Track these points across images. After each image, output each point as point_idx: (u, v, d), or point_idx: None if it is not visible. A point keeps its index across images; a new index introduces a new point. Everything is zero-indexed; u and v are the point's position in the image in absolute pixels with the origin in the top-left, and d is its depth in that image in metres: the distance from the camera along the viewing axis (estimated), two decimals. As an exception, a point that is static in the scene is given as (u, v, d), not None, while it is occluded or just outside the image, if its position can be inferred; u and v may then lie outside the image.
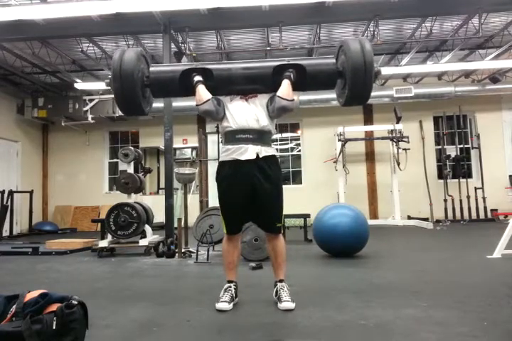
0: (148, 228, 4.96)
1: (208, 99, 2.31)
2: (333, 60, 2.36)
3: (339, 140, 8.04)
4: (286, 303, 2.27)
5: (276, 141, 9.46)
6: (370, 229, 4.17)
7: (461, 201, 8.42)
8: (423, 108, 8.81)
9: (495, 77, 7.92)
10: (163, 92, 2.56)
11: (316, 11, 5.54)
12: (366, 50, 2.18)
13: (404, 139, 7.69)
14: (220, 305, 2.29)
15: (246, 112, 2.38)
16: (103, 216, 5.39)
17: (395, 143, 7.84)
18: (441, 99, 8.47)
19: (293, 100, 2.32)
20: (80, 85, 7.91)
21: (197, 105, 2.34)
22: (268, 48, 6.59)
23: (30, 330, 1.47)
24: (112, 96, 8.15)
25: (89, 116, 8.59)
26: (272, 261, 2.50)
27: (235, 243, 2.50)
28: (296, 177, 9.43)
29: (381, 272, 3.37)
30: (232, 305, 2.33)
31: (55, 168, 9.82)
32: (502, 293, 2.55)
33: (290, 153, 9.55)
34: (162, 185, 8.40)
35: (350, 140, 8.06)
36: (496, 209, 8.22)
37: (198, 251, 4.22)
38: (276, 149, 9.38)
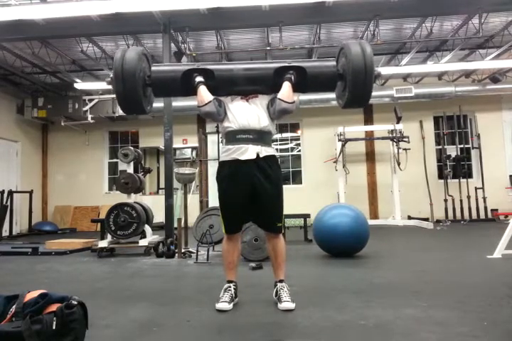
0: (148, 228, 4.96)
1: (210, 101, 2.32)
2: (334, 63, 2.37)
3: (339, 140, 8.04)
4: (286, 303, 2.27)
5: (276, 140, 9.46)
6: (371, 229, 4.17)
7: (461, 201, 8.42)
8: (423, 108, 8.81)
9: (495, 77, 7.92)
10: (165, 92, 2.58)
11: (315, 11, 5.54)
12: (367, 53, 2.19)
13: (404, 139, 7.69)
14: (220, 305, 2.29)
15: (247, 112, 2.38)
16: (103, 216, 5.39)
17: (395, 143, 7.83)
18: (441, 99, 8.47)
19: (293, 102, 2.33)
20: (79, 85, 7.91)
21: (199, 106, 2.35)
22: (268, 48, 6.59)
23: (30, 330, 1.47)
24: (112, 96, 8.14)
25: (89, 116, 8.60)
26: (272, 261, 2.49)
27: (235, 243, 2.50)
28: (296, 177, 9.43)
29: (381, 272, 3.36)
30: (232, 305, 2.33)
31: (55, 167, 9.82)
32: (502, 293, 2.55)
33: (290, 153, 9.55)
34: (162, 185, 8.40)
35: (350, 140, 8.05)
36: (497, 209, 8.22)
37: (197, 251, 4.22)
38: (277, 149, 9.39)
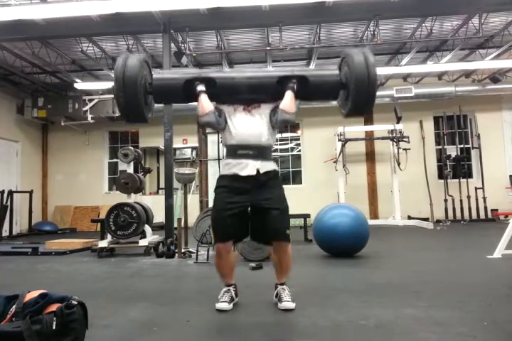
0: (148, 228, 4.96)
1: (210, 111, 2.31)
2: (337, 72, 2.36)
3: (339, 140, 8.04)
4: (287, 303, 2.27)
5: (276, 140, 9.44)
6: (371, 229, 4.17)
7: (461, 201, 8.42)
8: (423, 108, 8.81)
9: (495, 77, 7.91)
10: (166, 99, 2.59)
11: (315, 11, 5.54)
12: (370, 63, 2.20)
13: (404, 139, 7.69)
14: (220, 305, 2.29)
15: (249, 127, 2.35)
16: (103, 216, 5.39)
17: (395, 143, 7.83)
18: (441, 99, 8.47)
19: (294, 113, 2.34)
20: (79, 85, 7.91)
21: (199, 116, 2.34)
22: (268, 48, 6.59)
23: (30, 330, 1.47)
24: (112, 96, 8.09)
25: (89, 116, 8.60)
26: (277, 269, 2.43)
27: (227, 254, 2.38)
28: (296, 177, 9.43)
29: (381, 272, 3.37)
30: (232, 305, 2.33)
31: (55, 167, 9.82)
32: (502, 293, 2.55)
33: (290, 153, 9.55)
34: (162, 185, 8.40)
35: (350, 140, 8.05)
36: (497, 209, 8.22)
37: (197, 251, 4.22)
38: (276, 149, 9.43)
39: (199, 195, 6.41)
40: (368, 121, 9.06)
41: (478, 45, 7.35)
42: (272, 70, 2.50)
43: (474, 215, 8.32)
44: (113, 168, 9.91)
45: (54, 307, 1.56)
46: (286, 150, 9.58)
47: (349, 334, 1.89)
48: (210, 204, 6.64)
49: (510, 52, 7.42)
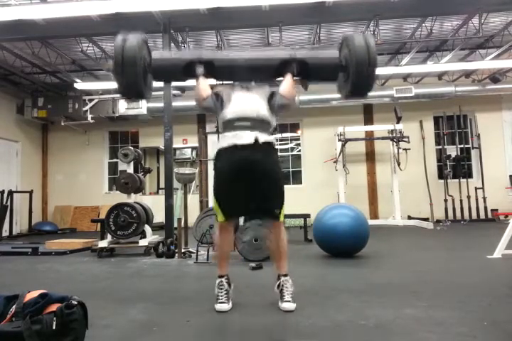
0: (148, 228, 4.96)
1: (208, 96, 2.35)
2: (337, 54, 2.38)
3: (339, 140, 8.03)
4: (287, 304, 2.26)
5: (276, 141, 9.44)
6: (371, 229, 4.17)
7: (461, 201, 8.42)
8: (423, 108, 8.80)
9: (495, 77, 7.92)
10: (165, 78, 2.63)
11: (315, 11, 5.54)
12: (370, 45, 2.22)
13: (404, 139, 7.69)
14: (219, 307, 2.28)
15: (246, 101, 2.38)
16: (103, 216, 5.39)
17: (395, 143, 7.83)
18: (441, 99, 8.47)
19: (294, 98, 2.35)
20: (79, 85, 7.91)
21: (196, 100, 2.38)
22: (268, 48, 6.59)
23: (30, 330, 1.47)
24: (112, 96, 8.10)
25: (89, 116, 8.60)
26: (274, 252, 2.43)
27: (229, 232, 2.42)
28: (296, 177, 9.43)
29: (381, 272, 3.37)
30: (231, 304, 2.32)
31: (55, 167, 9.82)
32: (502, 293, 2.55)
33: (290, 153, 9.55)
34: (162, 185, 8.40)
35: (350, 140, 8.05)
36: (497, 209, 8.21)
37: (197, 251, 4.22)
38: (276, 149, 9.41)
39: (199, 195, 6.42)
40: (368, 121, 9.06)
41: (478, 45, 7.35)
42: (273, 52, 2.49)
43: (474, 215, 8.32)
44: (113, 168, 9.91)
45: (54, 307, 1.56)
46: (286, 150, 9.58)
47: (349, 334, 1.89)
48: (211, 204, 6.66)
49: (510, 52, 7.42)
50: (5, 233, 7.76)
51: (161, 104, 5.46)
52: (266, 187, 2.30)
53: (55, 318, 1.52)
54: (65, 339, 1.53)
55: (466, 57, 7.79)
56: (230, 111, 2.37)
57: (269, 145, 2.36)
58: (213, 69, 2.35)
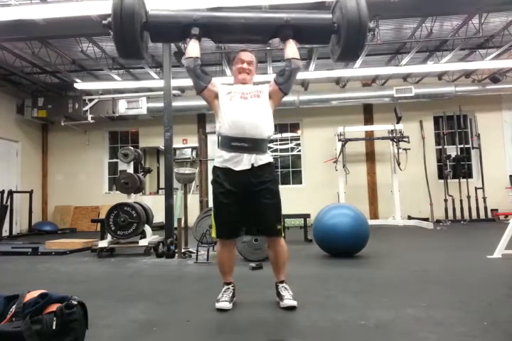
0: (148, 228, 4.96)
1: (192, 57, 2.36)
2: (330, 16, 2.40)
3: (339, 140, 8.03)
4: (288, 301, 2.27)
5: (276, 141, 9.46)
6: (371, 229, 4.17)
7: (461, 201, 8.42)
8: (423, 108, 8.81)
9: (495, 77, 7.92)
10: (161, 38, 2.61)
11: (315, 11, 5.53)
12: (361, 7, 2.24)
13: (404, 139, 7.69)
14: (220, 305, 2.28)
15: (245, 117, 2.30)
16: (103, 216, 5.39)
17: (395, 143, 7.83)
18: (441, 99, 8.48)
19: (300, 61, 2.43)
20: (79, 85, 7.91)
21: (182, 59, 2.41)
22: (268, 48, 6.59)
23: (30, 330, 1.47)
24: (112, 96, 8.08)
25: (89, 116, 8.61)
26: (273, 263, 2.45)
27: (230, 248, 2.43)
28: (296, 177, 9.43)
29: (381, 272, 3.36)
30: (232, 304, 2.32)
31: (55, 167, 9.82)
32: (502, 293, 2.55)
33: (290, 153, 9.55)
34: (162, 185, 8.40)
35: (350, 140, 8.05)
36: (497, 209, 8.22)
37: (197, 251, 4.22)
38: (276, 149, 9.43)
39: (199, 195, 6.41)
40: (368, 121, 9.06)
41: (478, 45, 7.35)
42: (268, 16, 2.49)
43: (474, 215, 8.32)
44: (113, 168, 9.91)
45: (54, 307, 1.56)
46: (286, 150, 9.58)
47: (349, 334, 1.89)
48: (210, 204, 6.65)
49: (510, 52, 7.42)
50: (5, 233, 7.76)
51: (161, 104, 5.46)
52: (264, 207, 2.32)
53: (55, 318, 1.52)
54: (65, 339, 1.53)
55: (466, 57, 7.79)
56: (226, 128, 2.31)
57: (265, 165, 2.33)
58: (209, 28, 2.37)
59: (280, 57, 7.55)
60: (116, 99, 8.60)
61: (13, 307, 1.57)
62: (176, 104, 6.71)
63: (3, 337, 1.47)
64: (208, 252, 4.12)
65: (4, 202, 7.76)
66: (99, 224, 6.41)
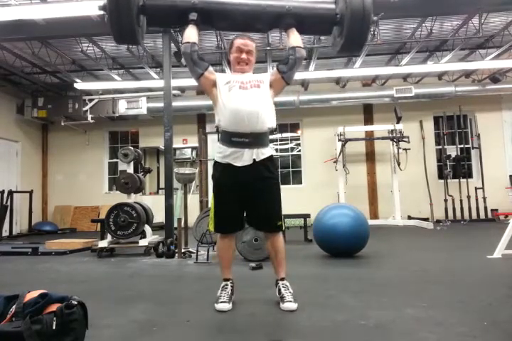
0: (148, 228, 4.96)
1: (189, 42, 2.29)
2: (333, 6, 2.36)
3: (339, 140, 8.04)
4: (289, 304, 2.26)
5: (276, 140, 9.46)
6: (371, 229, 4.17)
7: (461, 201, 8.42)
8: (423, 108, 8.81)
9: (495, 77, 7.92)
10: (159, 22, 2.54)
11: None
12: None
13: (404, 139, 7.69)
14: (219, 306, 2.27)
15: (245, 108, 2.24)
16: (103, 216, 5.39)
17: (395, 143, 7.84)
18: (441, 99, 8.48)
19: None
20: (79, 85, 7.92)
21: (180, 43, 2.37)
22: (268, 48, 6.60)
23: (30, 330, 1.47)
24: (112, 96, 8.07)
25: (89, 116, 8.61)
26: (272, 259, 2.45)
27: (230, 240, 2.44)
28: (296, 177, 9.43)
29: (381, 272, 3.36)
30: (231, 304, 2.32)
31: (55, 167, 9.82)
32: (502, 293, 2.55)
33: (290, 153, 9.55)
34: (162, 185, 8.40)
35: (350, 140, 8.05)
36: (497, 209, 8.22)
37: (197, 251, 4.22)
38: (276, 149, 9.43)
39: (199, 195, 6.41)
40: (368, 121, 9.07)
41: (478, 45, 7.35)
42: (270, 3, 2.38)
43: (474, 215, 8.32)
44: (113, 168, 9.91)
45: (54, 307, 1.56)
46: (286, 150, 9.58)
47: (349, 334, 1.89)
48: (210, 204, 6.65)
49: (510, 52, 7.42)
50: (5, 233, 7.76)
51: (161, 104, 5.46)
52: (265, 203, 2.32)
53: (55, 318, 1.52)
54: (65, 339, 1.53)
55: (466, 57, 7.79)
56: (226, 122, 2.28)
57: (267, 159, 2.32)
58: (209, 16, 2.31)
59: (280, 57, 7.56)
60: (116, 99, 8.60)
61: (13, 307, 1.57)
62: (175, 104, 6.71)
63: (3, 337, 1.47)
64: (208, 252, 4.12)
65: (4, 202, 7.76)
66: (99, 224, 6.42)
